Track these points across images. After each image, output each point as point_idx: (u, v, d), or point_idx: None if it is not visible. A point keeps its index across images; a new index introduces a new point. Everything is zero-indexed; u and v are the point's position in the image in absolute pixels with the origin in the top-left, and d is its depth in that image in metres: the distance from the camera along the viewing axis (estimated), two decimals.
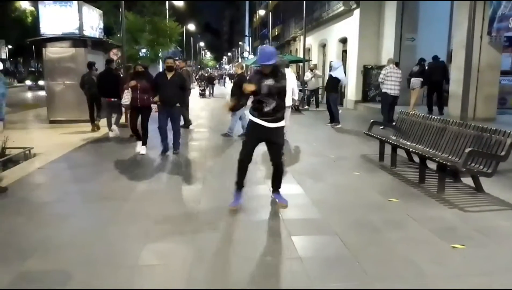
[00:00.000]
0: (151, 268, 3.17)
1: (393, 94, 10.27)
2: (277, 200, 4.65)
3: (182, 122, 9.24)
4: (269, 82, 4.21)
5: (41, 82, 30.33)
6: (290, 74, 8.35)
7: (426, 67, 12.24)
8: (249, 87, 4.21)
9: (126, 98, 7.31)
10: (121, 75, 10.38)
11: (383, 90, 10.42)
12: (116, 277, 3.01)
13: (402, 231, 3.88)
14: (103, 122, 10.08)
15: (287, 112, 7.98)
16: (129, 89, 7.26)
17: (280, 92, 4.28)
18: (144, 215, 4.28)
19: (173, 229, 3.91)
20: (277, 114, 4.32)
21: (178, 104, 7.29)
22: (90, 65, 10.24)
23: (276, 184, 4.69)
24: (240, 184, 4.52)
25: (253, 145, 4.44)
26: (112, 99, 9.25)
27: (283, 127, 4.47)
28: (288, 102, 7.77)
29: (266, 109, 4.26)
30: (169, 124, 7.31)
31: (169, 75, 7.04)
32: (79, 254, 3.38)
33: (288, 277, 3.04)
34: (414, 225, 4.01)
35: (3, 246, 3.55)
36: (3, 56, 39.97)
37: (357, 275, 3.05)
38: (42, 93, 15.14)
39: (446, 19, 14.51)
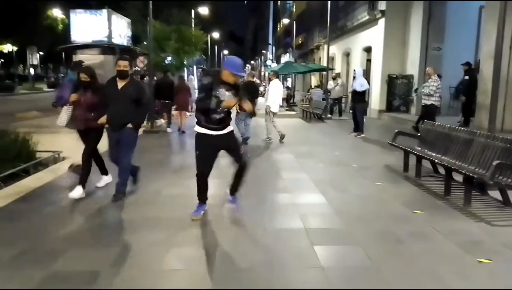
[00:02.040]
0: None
1: (439, 106, 10.22)
2: (233, 205, 4.75)
3: None
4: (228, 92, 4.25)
5: None
6: (277, 82, 10.34)
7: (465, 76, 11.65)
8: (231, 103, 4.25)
9: (62, 117, 5.40)
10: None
11: (430, 102, 9.95)
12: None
13: (426, 243, 3.83)
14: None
15: (271, 116, 10.01)
16: (68, 105, 5.32)
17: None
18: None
19: None
20: (226, 121, 4.39)
21: (130, 125, 5.03)
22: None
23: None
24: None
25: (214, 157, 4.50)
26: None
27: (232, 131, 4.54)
28: (275, 108, 9.96)
29: (218, 117, 4.29)
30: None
31: (121, 84, 4.98)
32: (106, 256, 3.48)
33: (309, 286, 3.04)
34: (439, 237, 3.95)
35: (34, 247, 3.68)
36: (35, 62, 41.31)
37: (380, 286, 3.03)
38: None
39: (474, 29, 14.25)
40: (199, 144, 4.39)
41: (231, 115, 4.46)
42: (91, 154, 5.34)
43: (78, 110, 5.21)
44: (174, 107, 12.24)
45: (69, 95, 5.48)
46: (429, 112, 10.10)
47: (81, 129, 5.30)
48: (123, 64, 4.93)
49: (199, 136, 4.38)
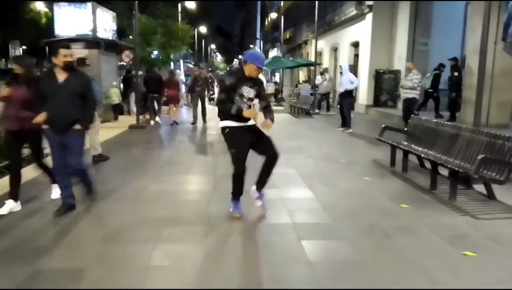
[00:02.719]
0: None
1: (418, 99, 10.29)
2: (259, 202, 4.42)
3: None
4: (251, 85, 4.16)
5: None
6: (262, 77, 9.98)
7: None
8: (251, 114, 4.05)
9: None
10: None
11: (412, 96, 9.98)
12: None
13: (413, 237, 3.86)
14: (116, 122, 10.28)
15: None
16: None
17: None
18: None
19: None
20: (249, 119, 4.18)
21: (78, 126, 4.26)
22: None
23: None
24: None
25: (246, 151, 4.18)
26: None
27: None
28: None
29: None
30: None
31: (62, 76, 4.18)
32: (93, 253, 3.42)
33: (297, 281, 3.04)
34: (425, 231, 3.99)
35: (18, 244, 3.61)
36: None
37: (367, 281, 3.04)
38: None
39: (460, 24, 14.41)
40: (234, 139, 4.08)
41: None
42: (38, 159, 4.75)
43: (10, 107, 4.36)
44: (163, 100, 12.65)
45: None
46: (411, 105, 10.18)
47: (13, 130, 4.38)
48: (67, 54, 4.14)
49: (232, 130, 4.08)
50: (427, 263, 3.30)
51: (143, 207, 4.65)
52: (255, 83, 4.20)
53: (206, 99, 12.94)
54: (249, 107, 4.15)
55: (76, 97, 4.22)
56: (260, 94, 4.28)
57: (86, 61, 6.38)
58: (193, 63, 36.64)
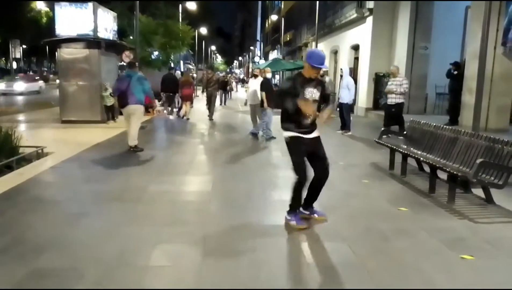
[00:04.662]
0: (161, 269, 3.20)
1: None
2: (316, 215, 4.33)
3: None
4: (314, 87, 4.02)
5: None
6: (260, 79, 10.12)
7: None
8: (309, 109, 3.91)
9: None
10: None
11: (401, 101, 10.04)
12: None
13: (411, 240, 3.87)
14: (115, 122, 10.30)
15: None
16: None
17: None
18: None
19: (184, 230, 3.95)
20: (314, 125, 4.10)
21: None
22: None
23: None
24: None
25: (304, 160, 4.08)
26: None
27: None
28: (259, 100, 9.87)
29: (306, 121, 4.00)
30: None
31: None
32: (91, 253, 3.43)
33: (294, 283, 3.05)
34: (423, 234, 4.00)
35: (17, 243, 3.62)
36: (18, 55, 40.54)
37: (365, 283, 3.05)
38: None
39: (460, 29, 14.44)
40: (296, 149, 4.03)
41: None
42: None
43: None
44: (178, 97, 14.91)
45: (125, 87, 7.37)
46: (399, 110, 10.16)
47: None
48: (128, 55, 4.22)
49: (294, 139, 4.03)
50: (425, 266, 3.31)
51: (144, 207, 4.66)
52: (318, 83, 4.07)
53: (218, 97, 14.99)
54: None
55: None
56: (325, 94, 4.16)
57: (136, 63, 8.38)
58: (194, 64, 36.69)
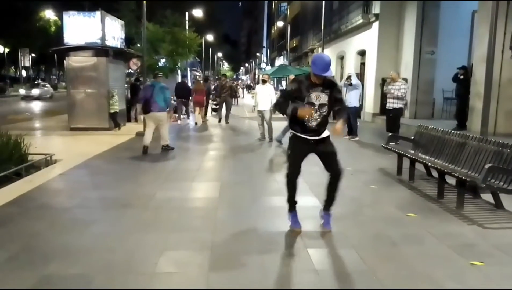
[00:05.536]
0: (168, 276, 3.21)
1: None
2: (323, 222, 4.30)
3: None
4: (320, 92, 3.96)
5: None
6: (269, 86, 10.89)
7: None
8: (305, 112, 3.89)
9: None
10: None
11: (399, 106, 10.05)
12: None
13: (420, 246, 3.84)
14: (123, 129, 10.41)
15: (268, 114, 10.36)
16: None
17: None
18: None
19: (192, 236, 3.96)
20: (322, 128, 4.07)
21: None
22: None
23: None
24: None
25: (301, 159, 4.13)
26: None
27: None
28: (267, 106, 10.25)
29: (311, 124, 3.98)
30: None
31: None
32: (99, 260, 3.45)
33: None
34: (432, 240, 3.97)
35: (26, 250, 3.65)
36: (27, 64, 41.08)
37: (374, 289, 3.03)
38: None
39: (467, 33, 14.37)
40: (293, 145, 4.12)
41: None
42: None
43: None
44: (191, 103, 16.15)
45: (149, 95, 8.32)
46: (398, 115, 10.14)
47: None
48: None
49: (295, 137, 4.09)
50: (434, 272, 3.28)
51: (150, 213, 4.67)
52: (327, 87, 3.97)
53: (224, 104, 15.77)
54: (321, 114, 3.98)
55: None
56: (336, 97, 4.03)
57: (159, 74, 9.21)
58: (200, 71, 36.92)
